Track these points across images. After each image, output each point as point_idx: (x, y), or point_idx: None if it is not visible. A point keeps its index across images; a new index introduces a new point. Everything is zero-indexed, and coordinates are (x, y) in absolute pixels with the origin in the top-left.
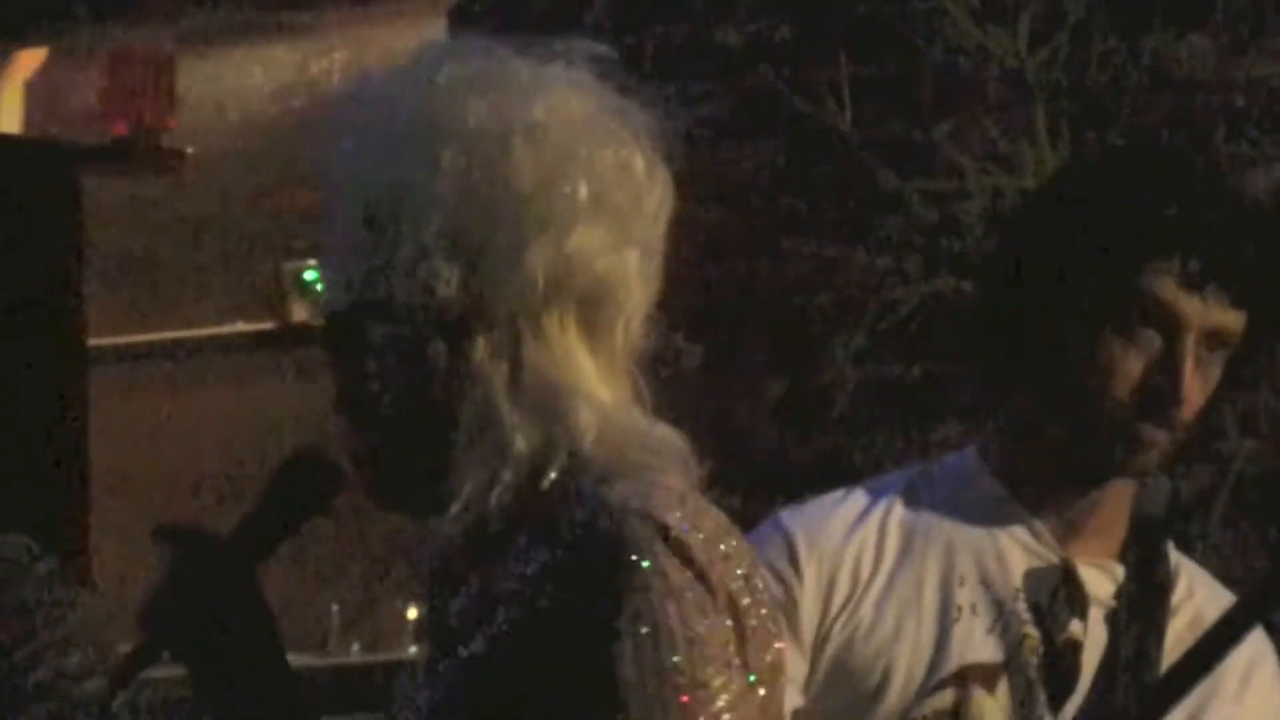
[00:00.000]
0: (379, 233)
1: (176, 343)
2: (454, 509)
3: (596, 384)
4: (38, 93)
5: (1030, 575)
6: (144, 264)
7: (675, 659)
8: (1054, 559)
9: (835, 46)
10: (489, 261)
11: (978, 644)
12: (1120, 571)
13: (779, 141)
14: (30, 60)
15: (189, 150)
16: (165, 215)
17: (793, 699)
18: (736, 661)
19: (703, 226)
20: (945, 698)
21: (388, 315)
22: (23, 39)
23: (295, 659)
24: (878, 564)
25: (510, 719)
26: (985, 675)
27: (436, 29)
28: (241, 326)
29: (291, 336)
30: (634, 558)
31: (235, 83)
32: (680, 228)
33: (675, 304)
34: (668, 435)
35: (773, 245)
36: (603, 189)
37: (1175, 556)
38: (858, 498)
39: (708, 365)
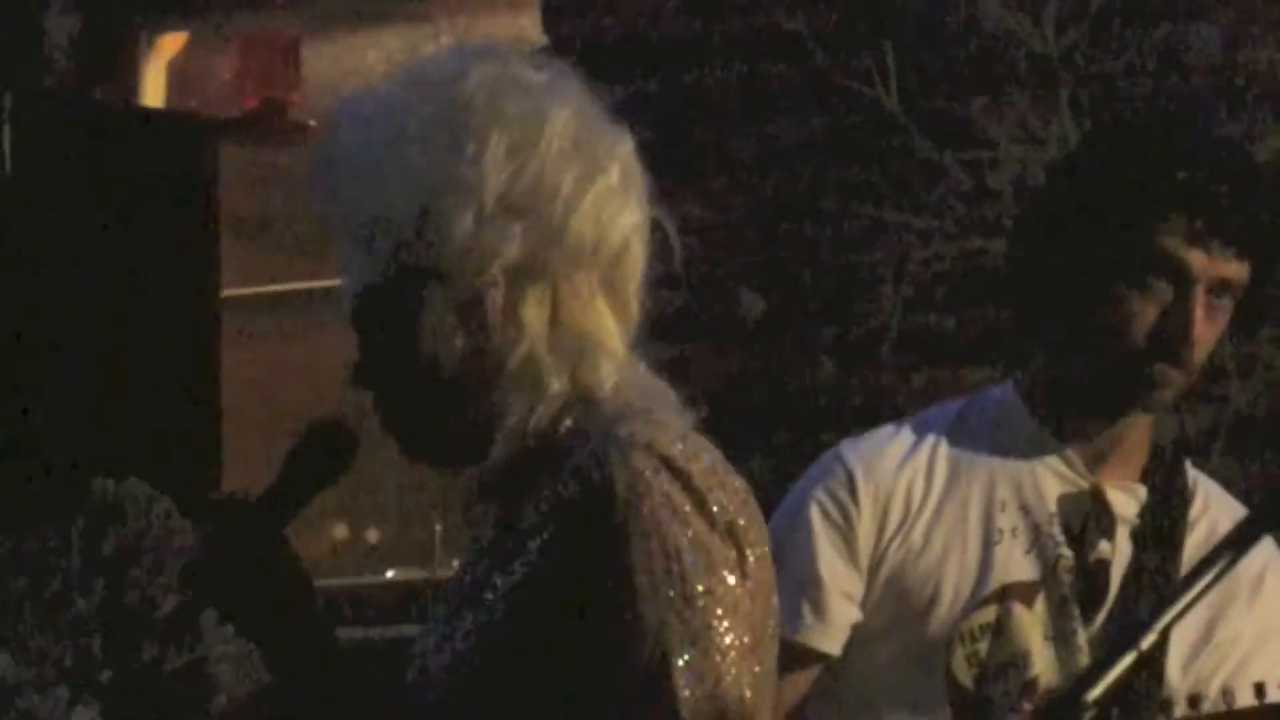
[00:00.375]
0: (431, 208)
1: (300, 293)
2: (498, 441)
3: (614, 338)
4: (178, 72)
5: (1063, 500)
6: (273, 223)
7: (682, 571)
8: (1084, 485)
9: (881, 33)
10: (540, 226)
11: (1017, 564)
12: (1143, 492)
13: (833, 116)
14: (172, 44)
15: (311, 123)
16: (291, 180)
17: (851, 614)
18: (736, 574)
19: (766, 193)
20: (989, 613)
21: (443, 280)
22: (164, 25)
23: (404, 572)
24: (927, 493)
25: (544, 639)
26: (1024, 592)
27: (532, 19)
28: None
29: None
30: (641, 484)
31: (352, 64)
32: (745, 195)
33: (741, 262)
34: (663, 385)
35: (826, 208)
36: (625, 168)
37: (1193, 475)
38: (908, 432)
39: (769, 315)
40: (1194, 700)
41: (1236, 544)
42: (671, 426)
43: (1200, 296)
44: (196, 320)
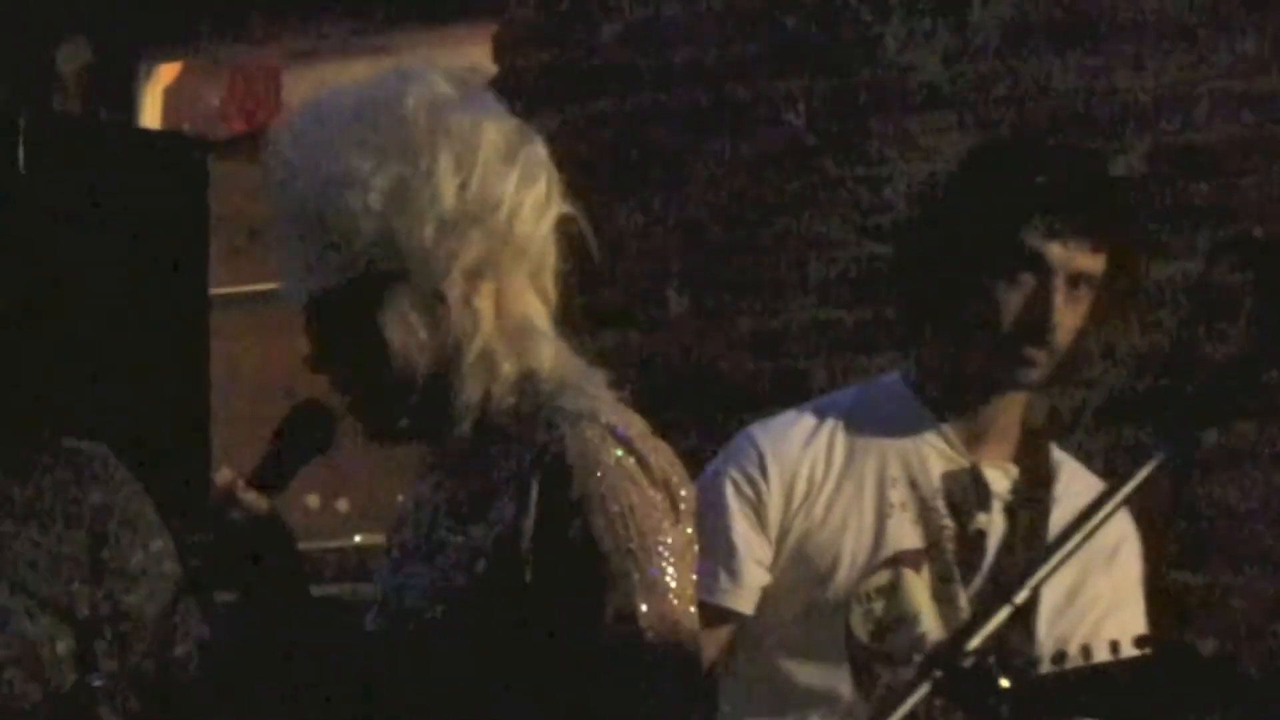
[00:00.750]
0: (392, 218)
1: (275, 292)
2: (457, 419)
3: (545, 323)
4: (174, 98)
5: (946, 477)
6: (256, 229)
7: (637, 526)
8: (964, 463)
9: (794, 65)
10: (491, 230)
11: (906, 534)
12: (1015, 471)
13: (751, 138)
14: (168, 73)
15: None
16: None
17: (762, 578)
18: (675, 524)
19: (692, 203)
20: (882, 576)
21: (407, 280)
22: (162, 56)
23: (369, 537)
24: (828, 470)
25: (515, 590)
26: (912, 559)
27: (484, 50)
28: None
29: None
30: (591, 450)
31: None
32: (674, 205)
33: (670, 263)
34: (586, 363)
35: (744, 218)
36: (548, 173)
37: (1059, 456)
38: (811, 416)
39: (692, 309)
40: (1058, 657)
41: (1096, 514)
42: (606, 398)
43: (1060, 286)
44: (189, 314)
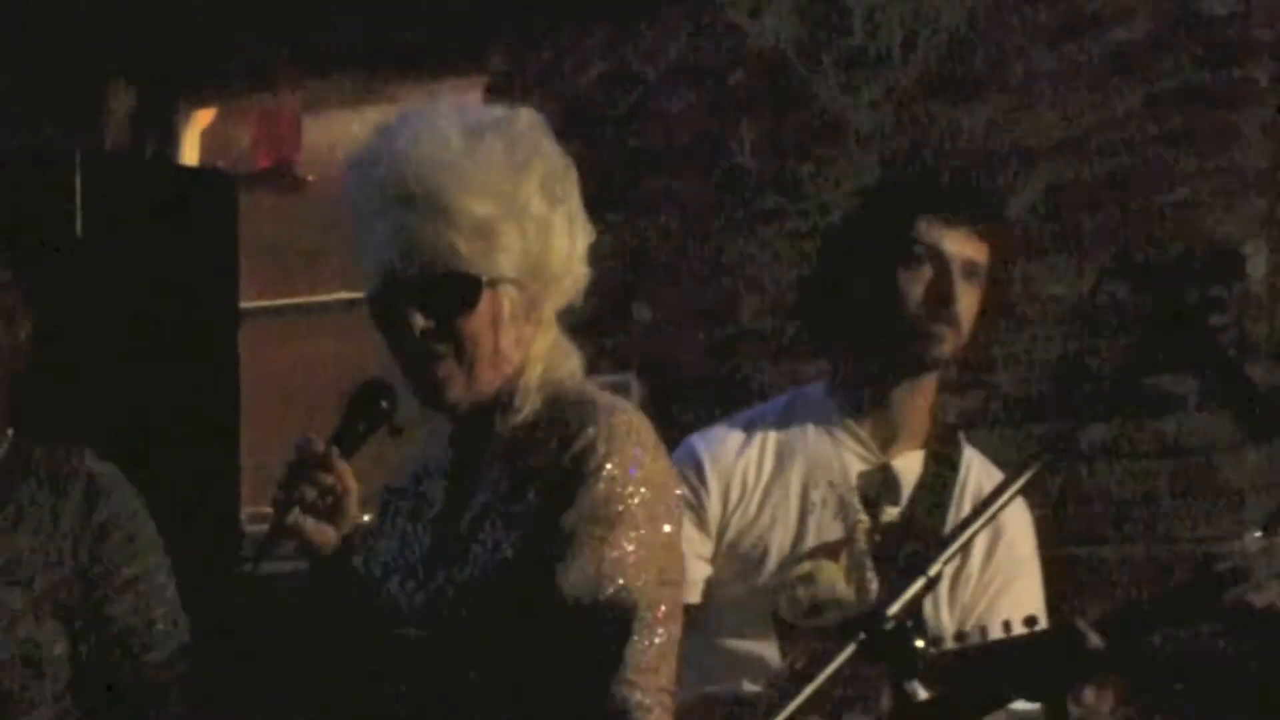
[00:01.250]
0: (492, 225)
1: (302, 305)
2: (516, 411)
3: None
4: (209, 138)
5: (862, 475)
6: (280, 251)
7: (668, 497)
8: (877, 461)
9: (740, 110)
10: (561, 247)
11: (827, 528)
12: (923, 462)
13: (704, 173)
14: (204, 116)
15: (310, 178)
16: (294, 219)
17: (705, 570)
18: (677, 508)
19: (654, 229)
20: (805, 566)
21: (495, 286)
22: (199, 101)
23: None
24: (759, 474)
25: (547, 566)
26: (832, 550)
27: (477, 98)
28: (344, 294)
29: None
30: (618, 439)
31: (342, 133)
32: (639, 230)
33: (635, 279)
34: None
35: (698, 242)
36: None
37: (965, 447)
38: (744, 424)
39: (654, 320)
40: (959, 635)
41: (998, 499)
42: (620, 398)
43: (956, 271)
44: (222, 325)
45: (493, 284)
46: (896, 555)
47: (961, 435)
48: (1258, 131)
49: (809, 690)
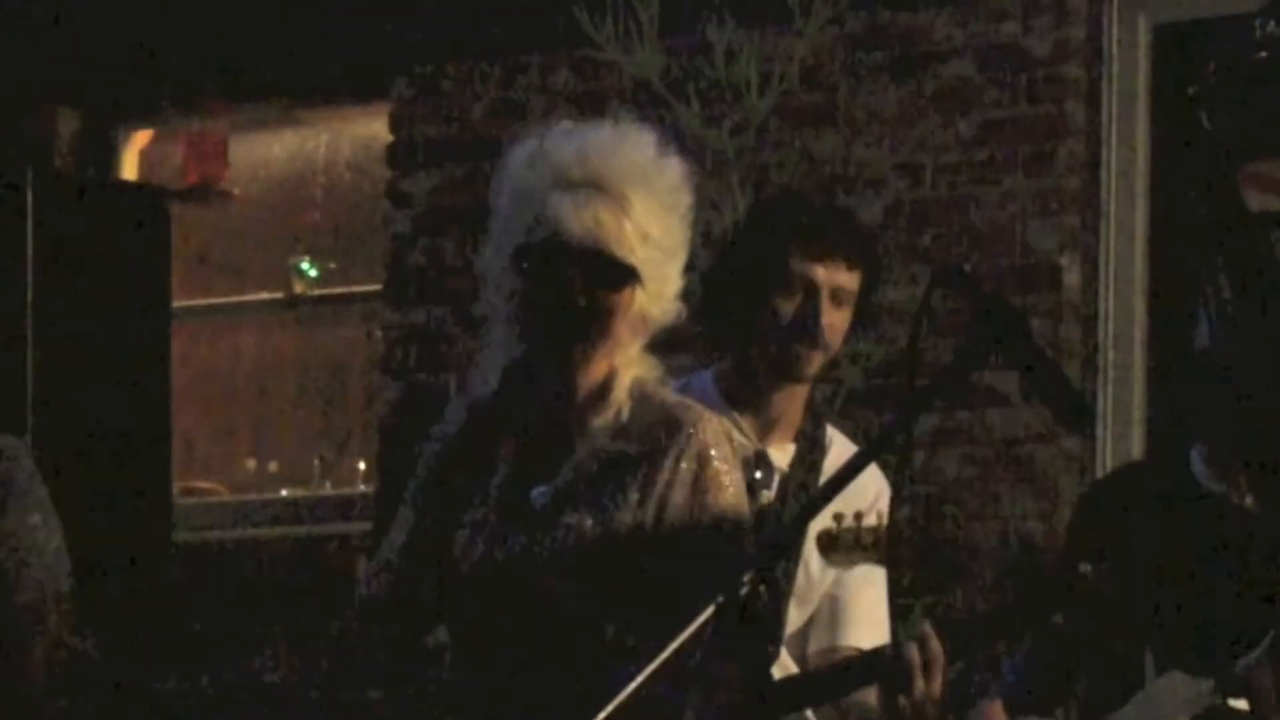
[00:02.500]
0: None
1: (226, 305)
2: (612, 414)
3: None
4: (146, 157)
5: (743, 461)
6: (208, 258)
7: (733, 503)
8: (753, 448)
9: None
10: (674, 274)
11: None
12: (794, 449)
13: None
14: (141, 138)
15: (235, 192)
16: (220, 229)
17: None
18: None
19: None
20: None
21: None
22: (136, 125)
23: (292, 492)
24: None
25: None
26: None
27: (383, 123)
28: (265, 295)
29: (295, 302)
30: (702, 432)
31: (264, 153)
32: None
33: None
34: None
35: None
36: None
37: (832, 433)
38: None
39: None
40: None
41: (850, 474)
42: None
43: (824, 299)
44: (155, 323)
45: (637, 277)
46: (768, 530)
47: (825, 418)
48: (1071, 158)
49: (668, 651)
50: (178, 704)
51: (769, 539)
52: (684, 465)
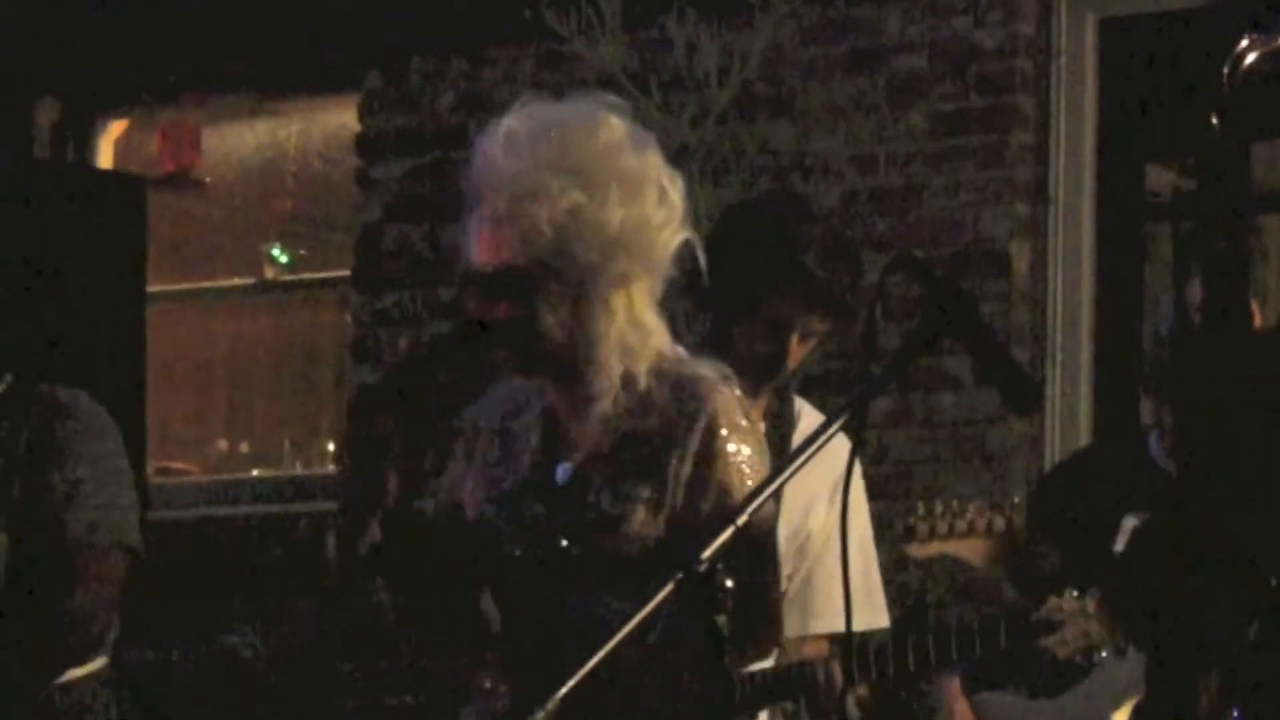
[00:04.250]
0: (564, 228)
1: (199, 290)
2: (604, 394)
3: (659, 323)
4: (121, 146)
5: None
6: (182, 244)
7: (753, 471)
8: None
9: None
10: (635, 253)
11: None
12: (764, 423)
13: None
14: (117, 127)
15: (209, 179)
16: (194, 216)
17: None
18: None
19: None
20: None
21: (562, 276)
22: (113, 115)
23: (263, 471)
24: None
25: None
26: None
27: (352, 113)
28: (238, 280)
29: (267, 287)
30: (732, 412)
31: (236, 142)
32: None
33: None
34: None
35: None
36: (683, 210)
37: (800, 404)
38: None
39: None
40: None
41: (817, 439)
42: (715, 365)
43: (794, 342)
44: (131, 306)
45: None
46: None
47: (794, 390)
48: (1021, 149)
49: (629, 626)
50: (153, 679)
51: (733, 514)
52: (700, 438)
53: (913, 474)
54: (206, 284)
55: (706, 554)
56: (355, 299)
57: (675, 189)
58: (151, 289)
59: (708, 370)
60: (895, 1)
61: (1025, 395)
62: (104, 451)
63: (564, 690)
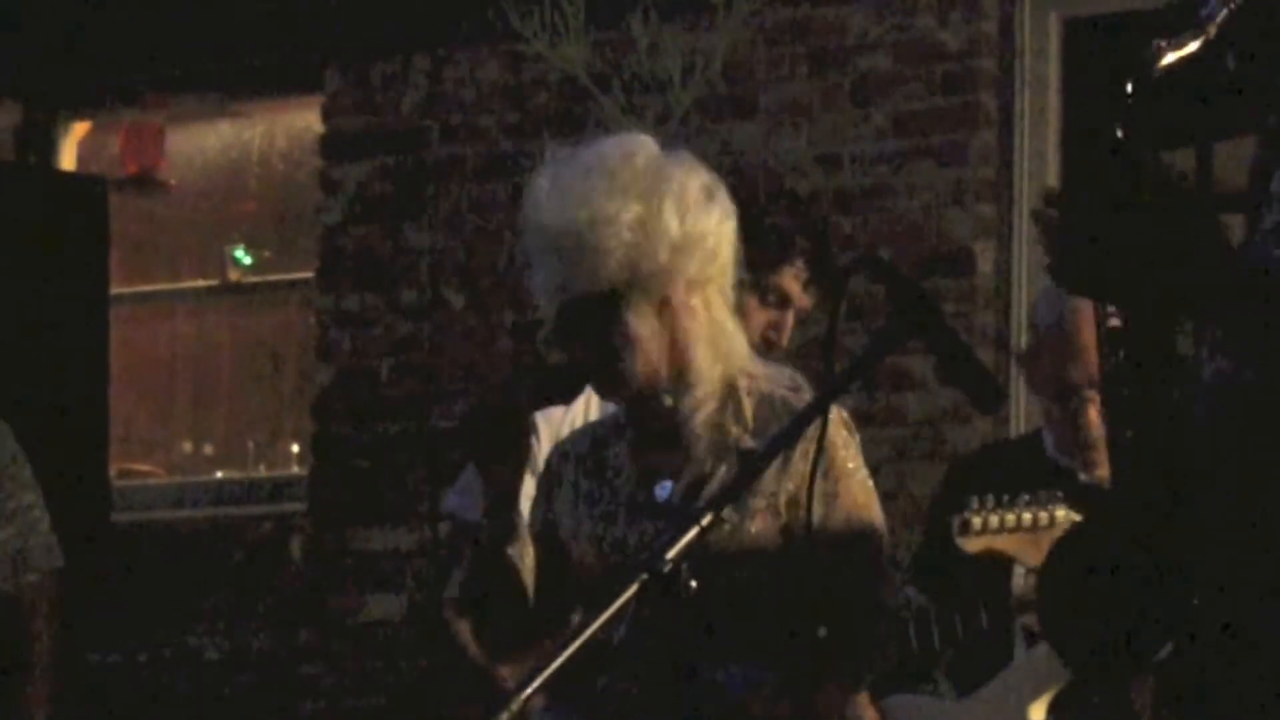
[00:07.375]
0: (633, 245)
1: (161, 292)
2: (706, 396)
3: (734, 324)
4: (85, 147)
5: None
6: (145, 246)
7: (864, 487)
8: None
9: (541, 128)
10: (703, 253)
11: None
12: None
13: (513, 181)
14: (80, 129)
15: (172, 181)
16: (157, 218)
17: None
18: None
19: (470, 228)
20: None
21: (645, 290)
22: (76, 116)
23: (227, 474)
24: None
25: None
26: None
27: (316, 115)
28: (201, 282)
29: (230, 288)
30: (841, 431)
31: (199, 143)
32: (455, 230)
33: (451, 270)
34: None
35: (506, 238)
36: (734, 216)
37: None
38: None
39: (467, 305)
40: None
41: (807, 418)
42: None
43: (792, 316)
44: (95, 308)
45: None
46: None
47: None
48: (985, 149)
49: (593, 626)
50: (116, 680)
51: (698, 514)
52: (815, 457)
53: (877, 473)
54: (169, 285)
55: (670, 554)
56: (319, 300)
57: (721, 191)
58: (115, 290)
59: (801, 381)
60: (858, 1)
61: (989, 395)
62: (32, 476)
63: (526, 691)
